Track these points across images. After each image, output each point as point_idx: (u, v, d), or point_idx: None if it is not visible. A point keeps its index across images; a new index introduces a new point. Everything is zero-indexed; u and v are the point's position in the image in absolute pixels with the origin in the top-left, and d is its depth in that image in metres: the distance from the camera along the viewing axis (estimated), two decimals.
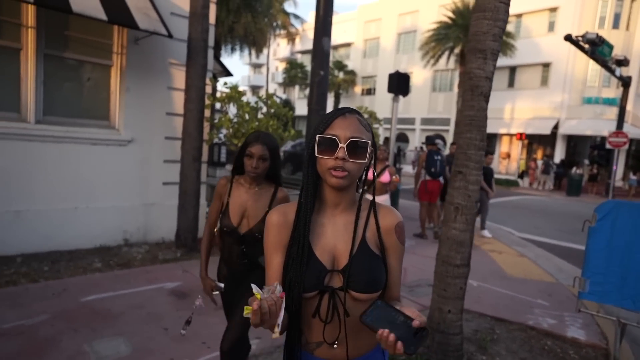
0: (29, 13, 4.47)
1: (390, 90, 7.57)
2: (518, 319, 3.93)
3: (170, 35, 4.64)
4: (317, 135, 1.06)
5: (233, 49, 19.01)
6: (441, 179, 7.14)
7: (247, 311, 0.84)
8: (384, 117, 22.09)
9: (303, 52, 40.05)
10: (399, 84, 7.48)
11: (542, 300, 4.53)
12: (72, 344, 2.89)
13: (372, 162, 1.16)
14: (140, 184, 5.34)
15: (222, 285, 2.19)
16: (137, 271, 4.47)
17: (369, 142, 1.08)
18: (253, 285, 0.89)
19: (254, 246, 2.08)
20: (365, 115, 7.75)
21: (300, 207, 1.12)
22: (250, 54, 20.04)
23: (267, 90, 34.54)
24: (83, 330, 3.10)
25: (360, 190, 1.19)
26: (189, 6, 4.91)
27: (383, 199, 5.00)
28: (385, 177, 5.03)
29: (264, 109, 5.69)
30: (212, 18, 5.40)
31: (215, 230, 2.20)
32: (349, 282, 1.08)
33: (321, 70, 5.31)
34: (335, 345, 1.11)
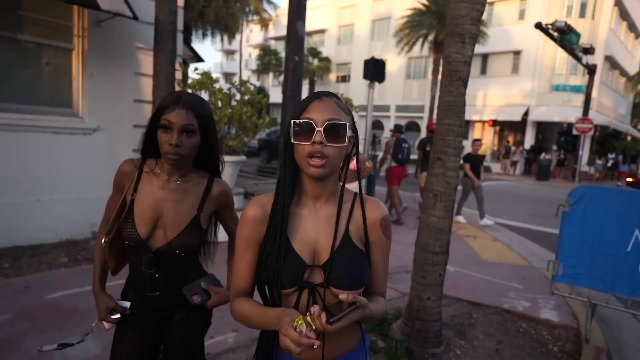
0: None
1: (365, 76, 7.49)
2: (494, 303, 3.99)
3: (135, 17, 4.39)
4: (292, 120, 1.00)
5: (204, 35, 18.44)
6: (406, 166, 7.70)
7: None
8: (359, 104, 22.07)
9: (277, 39, 39.38)
10: (375, 70, 7.40)
11: (516, 284, 4.63)
12: (35, 345, 2.72)
13: (354, 149, 1.09)
14: (107, 174, 5.04)
15: (126, 304, 1.45)
16: None
17: (348, 124, 1.00)
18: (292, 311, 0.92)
19: (175, 270, 1.41)
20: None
21: (277, 198, 1.05)
22: (222, 39, 19.52)
23: (240, 77, 33.91)
24: (48, 329, 2.93)
25: (342, 181, 1.12)
26: None
27: (353, 187, 4.93)
28: (352, 164, 4.99)
29: (238, 96, 5.50)
30: (180, 0, 5.14)
31: (105, 240, 1.44)
32: (330, 278, 1.01)
33: (295, 55, 5.18)
34: (315, 346, 1.05)
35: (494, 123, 24.42)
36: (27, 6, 4.47)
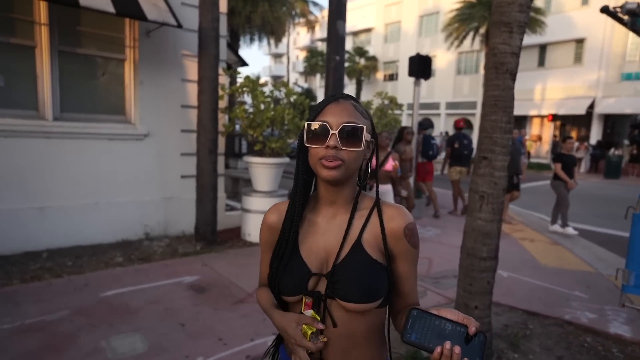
0: (41, 10, 4.46)
1: (411, 74, 7.27)
2: (553, 313, 3.67)
3: (179, 26, 4.54)
4: (307, 123, 0.96)
5: (252, 39, 18.90)
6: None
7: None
8: (408, 102, 21.57)
9: (323, 40, 39.55)
10: (420, 67, 7.15)
11: (579, 292, 4.24)
12: (89, 340, 2.88)
13: (373, 154, 1.02)
14: (158, 177, 5.33)
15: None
16: (157, 265, 4.47)
17: (364, 127, 0.95)
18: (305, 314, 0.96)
19: None
20: (385, 102, 7.51)
21: (290, 203, 1.03)
22: (269, 43, 19.89)
23: (287, 79, 34.44)
24: (101, 326, 3.09)
25: (360, 186, 1.06)
26: None
27: (386, 189, 4.79)
28: (388, 165, 4.83)
29: (283, 99, 5.54)
30: (223, 6, 5.27)
31: None
32: (336, 289, 0.95)
33: (337, 55, 5.12)
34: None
35: (554, 118, 22.83)
36: (85, 22, 4.79)
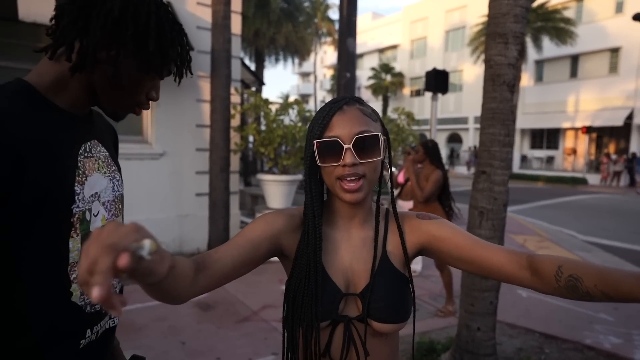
0: None
1: (428, 88, 7.19)
2: (573, 337, 3.44)
3: (191, 48, 4.68)
4: (315, 141, 0.85)
5: (277, 59, 19.36)
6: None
7: None
8: (438, 117, 21.32)
9: None
10: (437, 81, 7.07)
11: (605, 315, 3.96)
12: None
13: (388, 155, 0.93)
14: (173, 196, 5.46)
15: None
16: None
17: (379, 133, 0.87)
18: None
19: None
20: (402, 117, 7.43)
21: (307, 223, 0.90)
22: (293, 63, 20.30)
23: (315, 97, 34.87)
24: None
25: (378, 196, 0.99)
26: (211, 18, 4.96)
27: (407, 206, 4.61)
28: (404, 180, 4.68)
29: (293, 115, 5.60)
30: (235, 28, 5.43)
31: None
32: (371, 309, 0.86)
33: (347, 72, 5.15)
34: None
35: (589, 130, 21.90)
36: None
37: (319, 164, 0.86)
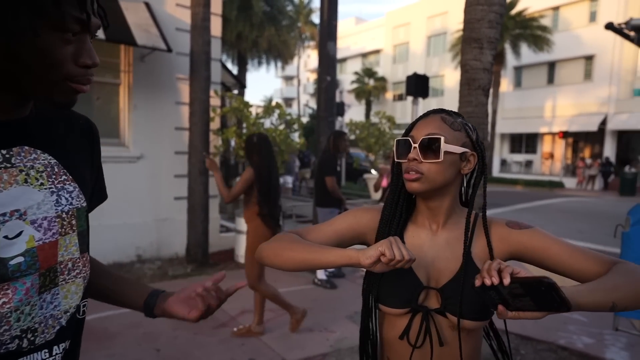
0: None
1: (409, 92, 7.26)
2: (547, 338, 3.50)
3: (169, 50, 4.65)
4: (396, 140, 1.01)
5: (259, 63, 19.29)
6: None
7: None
8: None
9: None
10: (418, 86, 7.15)
11: (579, 315, 4.04)
12: None
13: (474, 167, 0.99)
14: (151, 199, 5.36)
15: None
16: None
17: (442, 137, 0.93)
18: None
19: None
20: (383, 121, 7.48)
21: (387, 216, 1.02)
22: (276, 66, 20.27)
23: (298, 101, 34.88)
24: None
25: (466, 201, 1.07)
26: (190, 20, 4.91)
27: None
28: (384, 183, 4.75)
29: (273, 119, 5.57)
30: (215, 31, 5.38)
31: None
32: (449, 304, 0.94)
33: (327, 75, 5.16)
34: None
35: (565, 135, 22.49)
36: None
37: (396, 160, 1.00)
